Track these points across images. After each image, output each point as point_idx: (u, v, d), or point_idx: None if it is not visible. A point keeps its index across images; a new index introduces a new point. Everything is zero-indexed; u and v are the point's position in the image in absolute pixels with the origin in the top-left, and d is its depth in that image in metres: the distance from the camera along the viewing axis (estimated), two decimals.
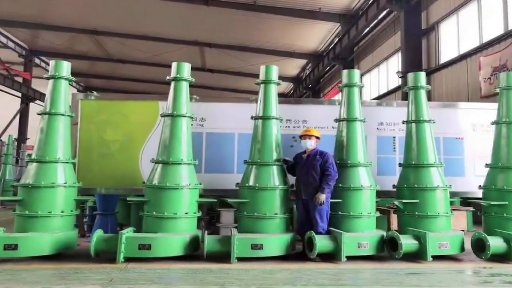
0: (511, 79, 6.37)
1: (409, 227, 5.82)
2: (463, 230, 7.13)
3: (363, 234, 5.68)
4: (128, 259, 5.06)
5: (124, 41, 21.65)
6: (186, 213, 5.51)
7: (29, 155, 5.78)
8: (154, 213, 5.44)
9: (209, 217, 8.25)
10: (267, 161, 5.82)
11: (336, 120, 6.33)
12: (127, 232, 5.19)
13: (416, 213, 5.91)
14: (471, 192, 6.89)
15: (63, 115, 5.66)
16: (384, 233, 5.78)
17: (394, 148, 6.96)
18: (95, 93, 6.91)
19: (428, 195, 5.95)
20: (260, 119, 6.00)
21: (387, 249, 5.68)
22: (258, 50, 21.91)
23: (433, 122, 6.31)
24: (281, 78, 6.39)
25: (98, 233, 5.26)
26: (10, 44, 23.31)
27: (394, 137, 6.97)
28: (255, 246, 5.25)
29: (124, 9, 18.38)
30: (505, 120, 6.25)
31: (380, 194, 6.33)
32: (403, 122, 6.46)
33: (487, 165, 6.33)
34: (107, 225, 6.77)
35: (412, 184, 6.04)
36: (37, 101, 24.51)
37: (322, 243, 5.36)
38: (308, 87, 25.05)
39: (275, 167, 5.84)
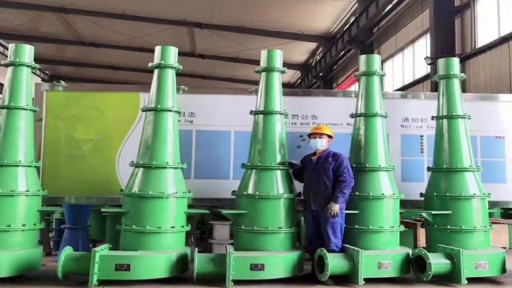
0: None
1: (440, 244, 5.83)
2: (504, 248, 7.13)
3: (384, 252, 5.68)
4: (102, 282, 5.06)
5: (98, 21, 21.64)
6: (172, 227, 5.51)
7: None
8: (134, 226, 5.43)
9: (200, 231, 8.26)
10: (270, 164, 5.82)
11: (352, 116, 6.34)
12: (102, 250, 5.18)
13: (448, 226, 5.91)
14: None
15: (24, 109, 5.66)
16: (410, 251, 5.79)
17: (421, 149, 6.95)
18: (63, 83, 6.92)
19: (462, 205, 5.96)
20: (261, 114, 6.01)
21: (413, 270, 5.69)
22: (259, 32, 21.91)
23: (469, 118, 6.32)
24: (286, 65, 6.40)
25: (66, 251, 5.25)
26: None
27: (421, 136, 6.97)
28: (255, 267, 5.25)
29: None
30: None
31: (405, 204, 6.33)
32: (433, 117, 6.47)
33: None
34: (78, 241, 6.76)
35: (443, 192, 6.05)
36: None
37: (335, 263, 5.36)
38: (319, 75, 25.05)
39: (278, 172, 5.84)
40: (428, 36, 15.06)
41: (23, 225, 5.36)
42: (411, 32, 17.09)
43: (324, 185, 5.72)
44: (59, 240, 7.33)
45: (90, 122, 6.60)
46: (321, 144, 5.90)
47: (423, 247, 6.06)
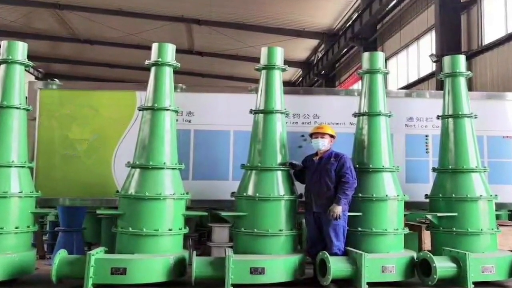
0: None
1: (445, 247, 5.83)
2: (511, 251, 7.13)
3: (388, 256, 5.69)
4: (98, 286, 5.05)
5: (93, 17, 21.64)
6: (169, 230, 5.51)
7: None
8: (130, 229, 5.44)
9: (198, 234, 8.26)
10: (270, 165, 5.83)
11: (355, 115, 6.34)
12: (97, 253, 5.18)
13: (454, 229, 5.92)
14: None
15: (17, 108, 5.66)
16: (415, 254, 5.79)
17: (426, 149, 6.96)
18: (57, 81, 6.93)
19: (468, 207, 5.96)
20: (261, 113, 6.01)
21: (418, 274, 5.69)
22: (259, 28, 21.89)
23: (475, 117, 6.32)
24: (287, 62, 6.40)
25: (61, 254, 5.26)
26: None
27: (426, 136, 6.99)
28: (255, 271, 5.25)
29: None
30: None
31: (409, 206, 6.34)
32: (438, 117, 6.47)
33: None
34: (72, 244, 6.78)
35: (449, 193, 6.05)
36: None
37: (337, 266, 5.36)
38: (321, 73, 25.06)
39: (279, 173, 5.85)
40: (433, 32, 15.04)
41: (16, 228, 5.36)
42: (416, 29, 17.08)
43: (326, 187, 5.73)
44: (53, 243, 7.34)
45: (85, 122, 6.61)
46: (323, 144, 5.90)
47: (428, 250, 6.07)
